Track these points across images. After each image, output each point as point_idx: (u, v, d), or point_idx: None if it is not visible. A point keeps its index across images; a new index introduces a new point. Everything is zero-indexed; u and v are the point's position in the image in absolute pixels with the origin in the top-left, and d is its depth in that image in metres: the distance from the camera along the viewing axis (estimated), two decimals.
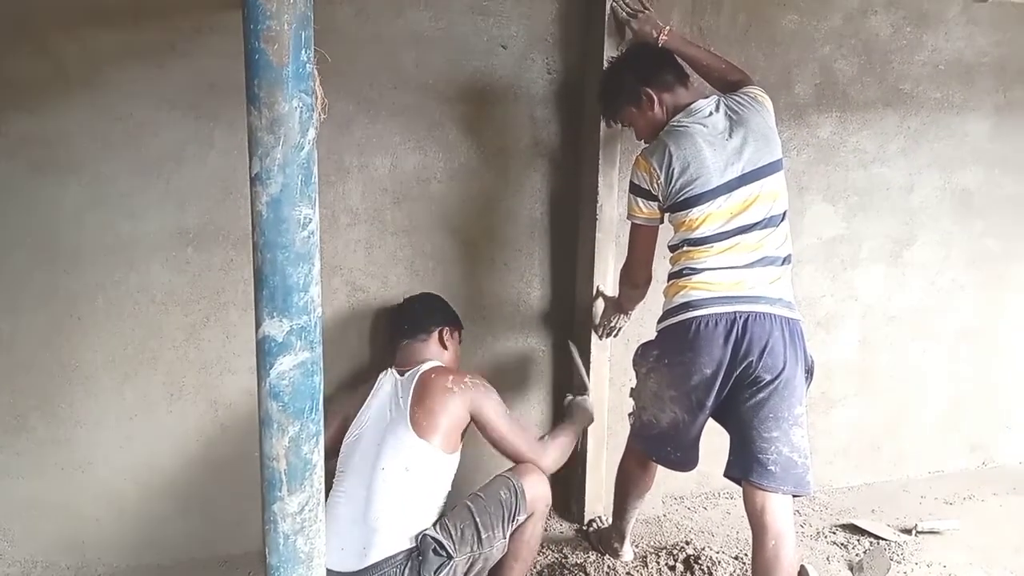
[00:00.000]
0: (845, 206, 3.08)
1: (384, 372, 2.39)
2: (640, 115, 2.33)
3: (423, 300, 2.59)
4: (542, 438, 2.42)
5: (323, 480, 1.29)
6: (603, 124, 2.61)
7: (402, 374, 2.35)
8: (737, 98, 2.26)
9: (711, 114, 2.23)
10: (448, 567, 2.06)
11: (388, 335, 2.60)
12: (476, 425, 2.29)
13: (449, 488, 2.23)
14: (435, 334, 2.48)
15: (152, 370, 2.50)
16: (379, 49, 2.52)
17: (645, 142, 2.37)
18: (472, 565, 2.13)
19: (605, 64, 2.52)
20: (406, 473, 2.14)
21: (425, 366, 2.34)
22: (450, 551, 2.06)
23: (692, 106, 2.24)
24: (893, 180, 3.11)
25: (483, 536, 2.12)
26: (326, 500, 1.85)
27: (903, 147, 3.10)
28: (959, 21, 3.06)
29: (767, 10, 2.85)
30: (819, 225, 3.07)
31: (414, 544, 2.06)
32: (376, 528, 2.07)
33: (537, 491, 2.25)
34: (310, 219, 1.17)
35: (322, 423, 1.26)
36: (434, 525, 2.11)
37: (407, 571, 2.03)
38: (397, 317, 2.56)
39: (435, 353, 2.45)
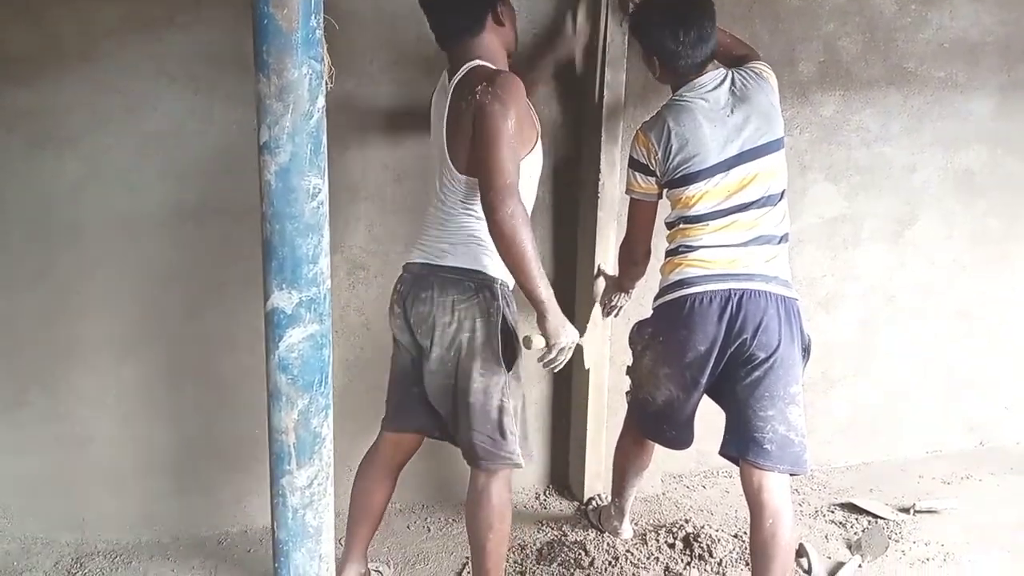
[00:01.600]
0: (847, 185, 3.07)
1: (438, 84, 2.16)
2: (646, 62, 2.29)
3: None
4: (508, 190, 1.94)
5: (332, 454, 1.28)
6: (605, 99, 2.58)
7: (449, 79, 2.06)
8: (743, 73, 2.23)
9: (715, 88, 2.20)
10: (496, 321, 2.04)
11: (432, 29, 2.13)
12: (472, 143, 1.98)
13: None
14: (485, 21, 2.04)
15: (151, 346, 2.49)
16: (380, 24, 2.49)
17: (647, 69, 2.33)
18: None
19: (609, 38, 2.50)
20: (454, 202, 2.05)
21: (465, 70, 2.00)
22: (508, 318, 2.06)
23: (697, 80, 2.21)
24: (896, 159, 3.10)
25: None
26: None
27: (906, 126, 3.08)
28: None
29: None
30: (821, 204, 3.05)
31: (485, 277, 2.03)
32: (448, 242, 2.06)
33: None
34: (319, 189, 1.16)
35: (331, 396, 1.25)
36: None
37: (475, 300, 2.03)
38: (428, 11, 2.12)
39: (491, 43, 2.06)
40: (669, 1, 2.23)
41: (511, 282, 2.07)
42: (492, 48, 2.06)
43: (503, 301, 2.07)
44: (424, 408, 2.18)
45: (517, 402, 2.13)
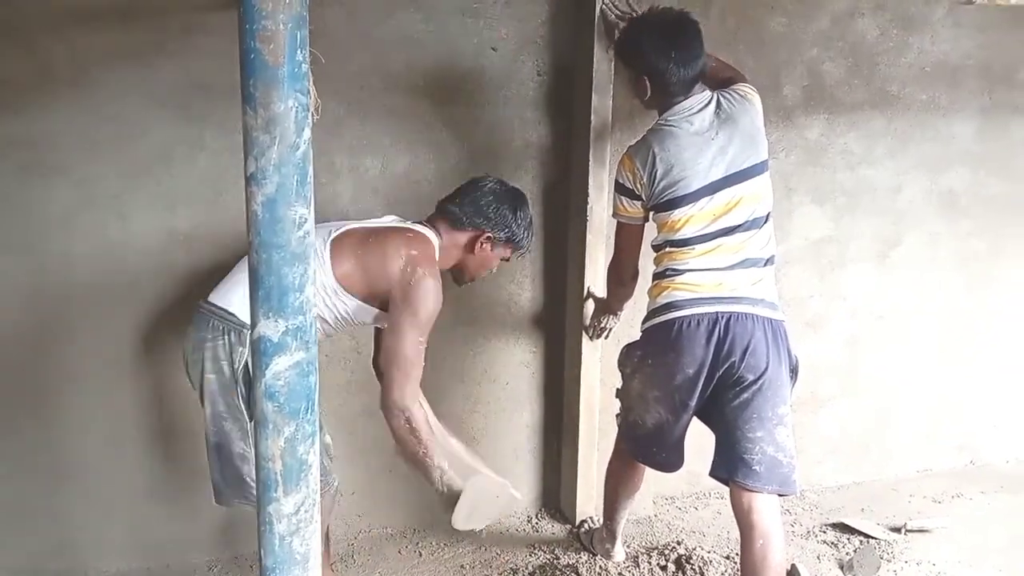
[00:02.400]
0: (833, 207, 3.10)
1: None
2: (634, 86, 2.31)
3: (494, 194, 2.24)
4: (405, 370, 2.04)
5: (319, 481, 1.29)
6: (593, 123, 2.61)
7: (404, 221, 2.22)
8: (728, 95, 2.26)
9: (700, 111, 2.22)
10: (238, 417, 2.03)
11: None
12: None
13: None
14: (468, 233, 2.22)
15: (142, 373, 2.48)
16: (369, 51, 2.52)
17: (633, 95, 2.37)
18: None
19: (596, 64, 2.53)
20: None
21: (416, 230, 2.16)
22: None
23: (683, 103, 2.23)
24: (880, 181, 3.14)
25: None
26: None
27: (890, 148, 3.12)
28: (945, 24, 3.08)
29: (755, 12, 2.87)
30: (807, 226, 3.08)
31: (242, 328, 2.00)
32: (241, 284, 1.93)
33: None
34: (305, 219, 1.17)
35: (317, 423, 1.25)
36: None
37: (222, 339, 2.01)
38: (459, 188, 2.27)
39: (455, 245, 2.22)
40: (659, 21, 2.26)
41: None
42: (457, 245, 2.24)
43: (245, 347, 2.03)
44: None
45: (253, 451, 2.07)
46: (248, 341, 1.97)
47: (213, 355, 2.00)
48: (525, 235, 2.30)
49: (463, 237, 2.23)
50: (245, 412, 2.01)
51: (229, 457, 2.05)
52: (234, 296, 2.04)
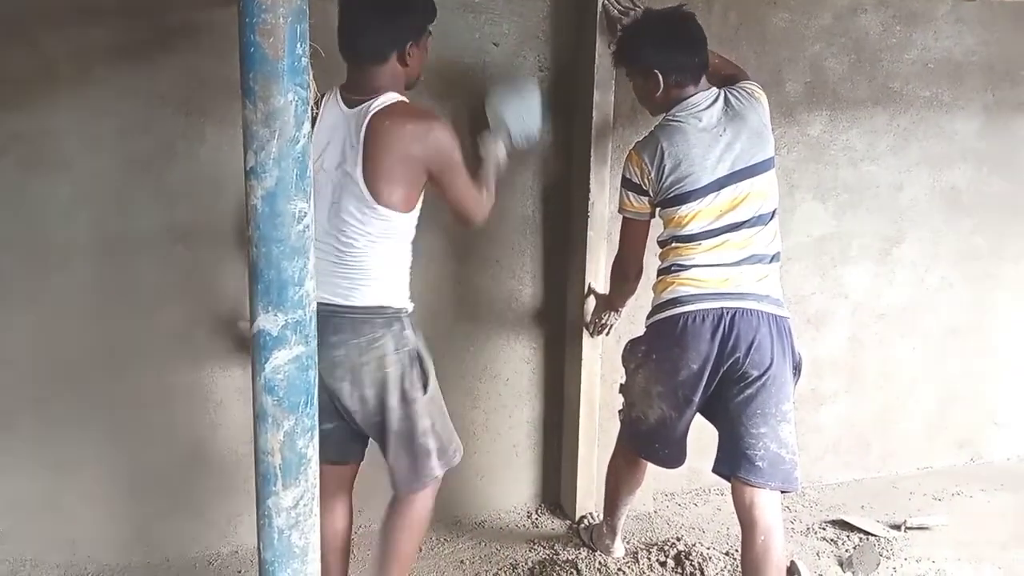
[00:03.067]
0: (835, 204, 3.10)
1: (329, 93, 2.02)
2: (643, 88, 2.31)
3: (379, 6, 1.98)
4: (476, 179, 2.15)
5: (317, 475, 1.29)
6: (595, 119, 2.61)
7: (350, 104, 1.98)
8: (736, 92, 2.26)
9: (708, 107, 2.22)
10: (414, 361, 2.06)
11: (338, 40, 2.02)
12: (431, 183, 2.02)
13: (410, 246, 2.08)
14: (393, 57, 1.98)
15: (143, 367, 2.49)
16: None
17: (642, 105, 2.38)
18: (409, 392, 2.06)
19: (598, 60, 2.53)
20: (370, 242, 1.97)
21: (379, 103, 1.94)
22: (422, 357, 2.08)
23: (691, 99, 2.23)
24: (883, 178, 3.13)
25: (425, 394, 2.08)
26: None
27: (892, 145, 3.12)
28: (948, 20, 3.07)
29: (757, 9, 2.86)
30: (809, 223, 3.08)
31: (395, 312, 2.02)
32: (354, 281, 2.00)
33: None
34: (305, 213, 1.17)
35: (316, 417, 1.26)
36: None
37: (389, 333, 2.01)
38: (342, 28, 2.00)
39: (391, 77, 2.00)
40: (658, 17, 2.29)
41: (411, 307, 2.10)
42: (397, 79, 2.02)
43: (410, 329, 2.07)
44: (334, 440, 2.09)
45: (434, 418, 2.12)
46: (405, 324, 2.04)
47: (381, 353, 2.01)
48: (431, 9, 2.06)
49: (391, 66, 2.00)
50: (421, 386, 2.07)
51: (412, 439, 2.07)
52: (367, 291, 2.00)
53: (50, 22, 2.24)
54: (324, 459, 2.08)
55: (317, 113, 1.70)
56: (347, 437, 2.14)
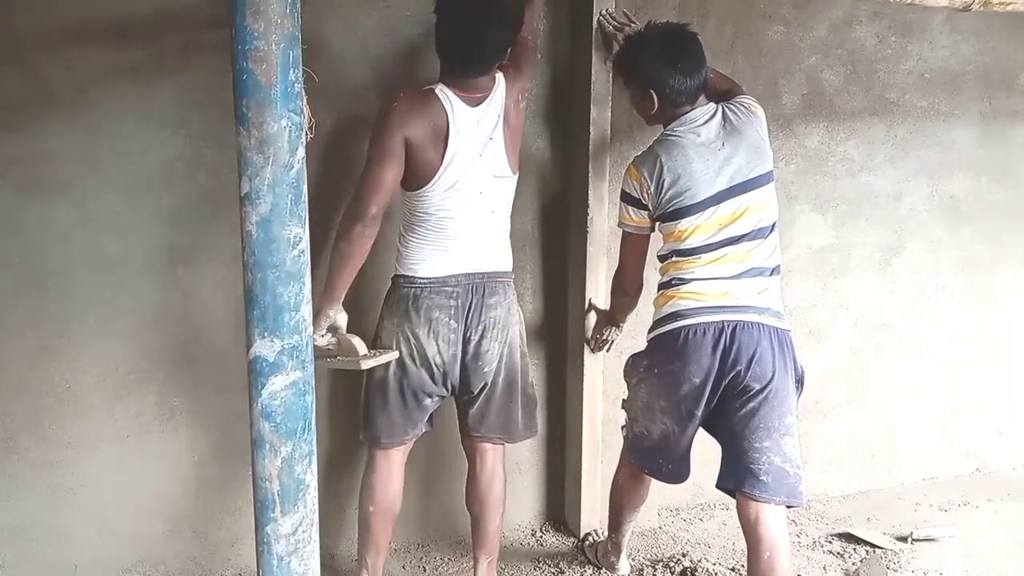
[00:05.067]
0: (834, 215, 3.10)
1: (441, 95, 2.16)
2: (640, 102, 2.31)
3: (489, 18, 2.15)
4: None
5: (316, 500, 1.28)
6: (592, 135, 2.61)
7: (474, 103, 2.19)
8: (733, 107, 2.26)
9: (706, 122, 2.22)
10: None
11: (451, 61, 2.20)
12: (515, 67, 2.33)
13: None
14: (510, 52, 2.27)
15: (143, 390, 2.48)
16: (368, 64, 2.53)
17: (638, 113, 2.39)
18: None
19: (594, 76, 2.53)
20: (508, 206, 2.37)
21: (499, 96, 2.24)
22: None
23: (689, 114, 2.24)
24: (881, 188, 3.13)
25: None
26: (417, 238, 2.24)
27: (890, 155, 3.12)
28: (943, 30, 3.08)
29: (753, 22, 2.87)
30: (809, 234, 3.08)
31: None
32: (496, 249, 2.34)
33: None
34: (300, 238, 1.17)
35: (315, 443, 1.25)
36: None
37: (514, 295, 2.38)
38: (457, 36, 2.17)
39: (501, 71, 2.27)
40: (659, 34, 2.28)
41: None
42: (502, 70, 2.30)
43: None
44: (424, 416, 2.36)
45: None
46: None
47: (514, 311, 2.37)
48: (520, 16, 2.31)
49: (500, 67, 2.28)
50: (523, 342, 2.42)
51: (527, 390, 2.44)
52: (508, 256, 2.38)
53: (47, 45, 2.25)
54: (415, 436, 2.38)
55: (311, 138, 1.70)
56: (422, 416, 2.36)
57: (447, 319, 2.24)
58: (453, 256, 2.24)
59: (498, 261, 2.33)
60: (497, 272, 2.32)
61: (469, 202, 2.23)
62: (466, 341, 2.26)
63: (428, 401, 2.33)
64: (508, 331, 2.32)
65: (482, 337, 2.27)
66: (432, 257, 2.25)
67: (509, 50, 2.24)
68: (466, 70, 2.18)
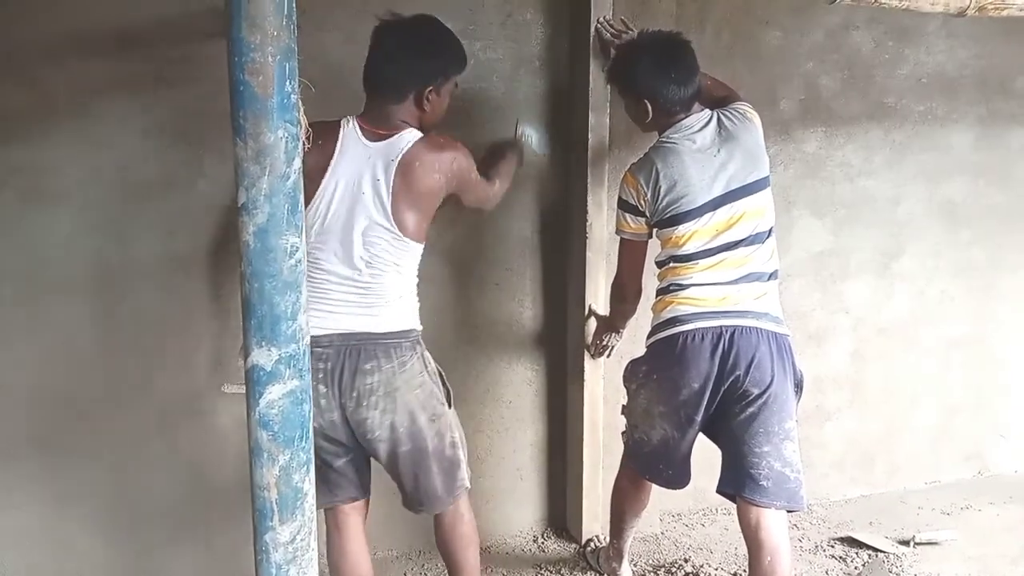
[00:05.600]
0: (833, 220, 3.10)
1: (345, 123, 2.02)
2: (633, 111, 2.33)
3: (407, 41, 2.02)
4: (489, 177, 2.29)
5: (314, 509, 1.29)
6: (591, 142, 2.63)
7: (372, 138, 2.00)
8: (728, 113, 2.27)
9: (701, 129, 2.23)
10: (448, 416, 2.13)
11: (364, 71, 2.07)
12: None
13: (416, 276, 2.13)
14: (411, 96, 2.02)
15: (145, 398, 2.49)
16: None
17: (634, 122, 2.39)
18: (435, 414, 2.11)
19: (593, 81, 2.55)
20: (397, 268, 2.04)
21: (404, 142, 1.98)
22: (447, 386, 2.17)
23: (684, 121, 2.24)
24: (879, 193, 3.14)
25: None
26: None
27: (888, 160, 3.13)
28: (939, 35, 3.09)
29: (750, 27, 2.88)
30: (807, 239, 3.08)
31: (417, 336, 2.10)
32: (375, 309, 2.03)
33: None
34: (297, 248, 1.18)
35: (312, 452, 1.25)
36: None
37: (413, 356, 2.06)
38: (370, 60, 2.05)
39: (409, 115, 2.04)
40: (652, 43, 2.28)
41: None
42: (414, 119, 2.05)
43: (425, 349, 2.14)
44: (343, 479, 2.13)
45: (457, 429, 2.18)
46: (423, 344, 2.12)
47: (411, 375, 2.05)
48: (460, 60, 2.13)
49: (410, 105, 2.04)
50: (446, 402, 2.14)
51: (442, 454, 2.11)
52: (394, 316, 2.05)
53: (48, 56, 2.27)
54: (346, 498, 2.13)
55: (310, 147, 1.69)
56: (362, 470, 2.17)
57: (316, 383, 1.96)
58: (325, 312, 1.99)
59: (377, 322, 2.02)
60: (375, 334, 2.01)
61: (342, 249, 1.99)
62: (343, 407, 2.02)
63: (338, 463, 2.09)
64: (396, 398, 2.02)
65: (358, 406, 2.01)
66: (311, 311, 1.87)
67: (427, 88, 2.02)
68: (372, 95, 2.04)
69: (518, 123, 2.67)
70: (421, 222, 2.04)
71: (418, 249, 2.08)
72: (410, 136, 2.00)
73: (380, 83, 2.03)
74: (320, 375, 1.99)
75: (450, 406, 2.16)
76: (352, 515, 2.18)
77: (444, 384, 2.17)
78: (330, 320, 2.00)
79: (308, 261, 1.91)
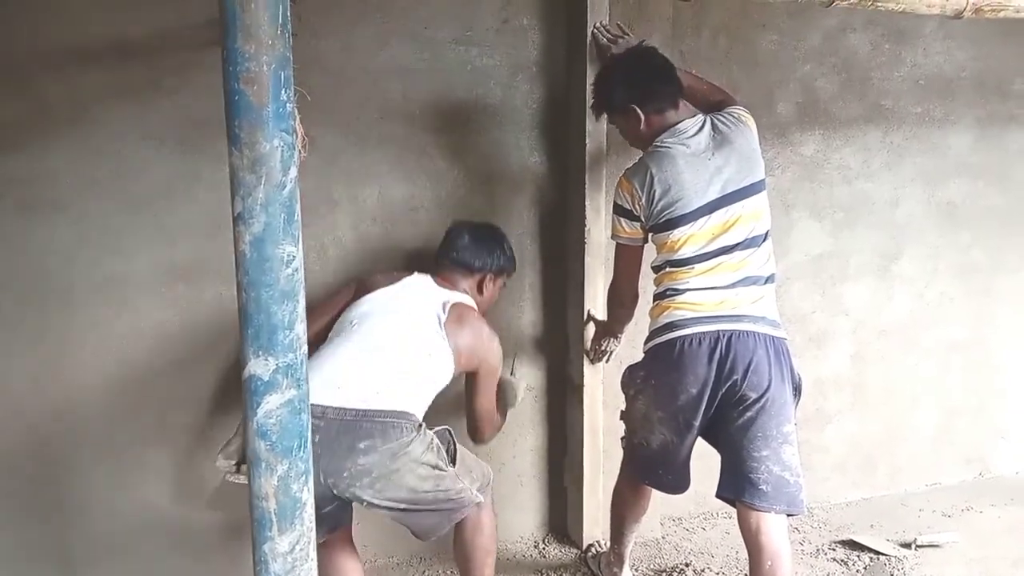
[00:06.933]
0: (831, 222, 3.10)
1: (412, 273, 2.35)
2: (626, 126, 2.34)
3: (485, 237, 2.45)
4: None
5: (313, 519, 1.29)
6: (588, 147, 2.63)
7: (439, 284, 2.33)
8: (722, 117, 2.28)
9: (695, 134, 2.24)
10: (450, 475, 2.09)
11: (439, 249, 2.44)
12: (466, 375, 2.31)
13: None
14: (476, 277, 2.41)
15: (144, 408, 2.49)
16: (365, 81, 2.54)
17: (631, 145, 2.40)
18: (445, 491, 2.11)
19: (590, 85, 2.55)
20: (427, 358, 2.16)
21: (460, 297, 2.31)
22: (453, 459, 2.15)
23: (678, 126, 2.25)
24: (878, 195, 3.14)
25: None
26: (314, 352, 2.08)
27: (887, 162, 3.13)
28: (936, 37, 3.10)
29: (747, 31, 2.88)
30: (806, 242, 3.08)
31: (420, 421, 2.09)
32: (391, 382, 2.07)
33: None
34: (293, 257, 1.17)
35: (311, 461, 1.25)
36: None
37: (415, 438, 2.02)
38: (450, 240, 2.44)
39: (470, 291, 2.39)
40: (624, 58, 2.39)
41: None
42: (472, 294, 2.38)
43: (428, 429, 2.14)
44: (326, 522, 2.05)
45: (462, 473, 2.16)
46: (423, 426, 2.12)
47: (412, 457, 2.01)
48: (512, 263, 2.53)
49: (473, 282, 2.41)
50: (449, 461, 2.13)
51: (439, 504, 2.09)
52: (398, 396, 2.07)
53: (45, 65, 2.27)
54: (327, 530, 2.09)
55: (305, 156, 1.72)
56: (346, 509, 2.19)
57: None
58: (325, 379, 2.03)
59: (382, 400, 2.03)
60: (376, 411, 2.00)
61: (368, 327, 2.17)
62: (331, 486, 1.97)
63: (322, 511, 1.92)
64: (393, 479, 1.99)
65: (350, 486, 1.97)
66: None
67: (486, 275, 2.40)
68: (443, 265, 2.39)
69: (515, 359, 2.77)
70: (459, 368, 2.23)
71: (444, 378, 2.20)
72: (465, 297, 2.34)
73: (454, 257, 2.39)
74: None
75: (453, 463, 2.13)
76: (336, 541, 2.20)
77: (450, 444, 2.18)
78: (329, 391, 2.03)
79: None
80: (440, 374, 2.19)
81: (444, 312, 2.23)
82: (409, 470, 2.00)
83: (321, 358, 2.11)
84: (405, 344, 2.15)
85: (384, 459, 1.97)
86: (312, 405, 1.85)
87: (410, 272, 2.35)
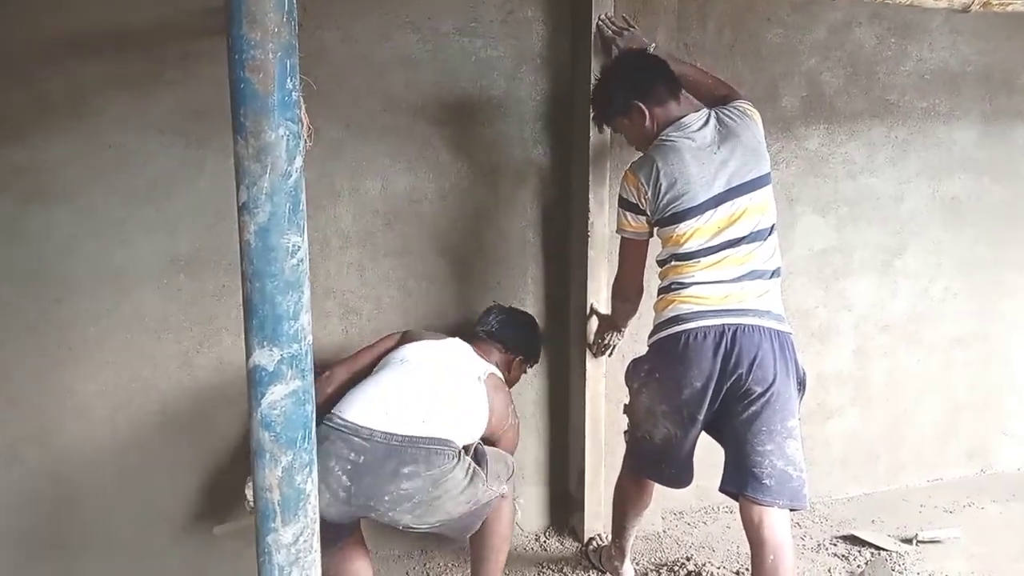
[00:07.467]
0: (835, 217, 3.09)
1: (454, 337, 2.44)
2: (631, 126, 2.33)
3: (522, 323, 2.62)
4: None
5: (317, 510, 1.28)
6: (592, 139, 2.62)
7: (477, 353, 2.41)
8: (727, 111, 2.27)
9: (700, 128, 2.23)
10: (482, 488, 2.14)
11: (478, 322, 2.58)
12: (488, 433, 2.34)
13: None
14: (508, 355, 2.53)
15: (146, 399, 2.48)
16: (368, 72, 2.53)
17: (638, 149, 2.39)
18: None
19: (593, 81, 2.53)
20: (468, 403, 2.23)
21: (495, 370, 2.40)
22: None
23: (682, 120, 2.24)
24: (882, 190, 3.13)
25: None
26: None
27: (891, 157, 3.12)
28: (942, 31, 3.08)
29: (752, 25, 2.87)
30: (810, 236, 3.07)
31: (460, 448, 2.14)
32: (436, 413, 2.14)
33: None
34: (299, 247, 1.16)
35: (315, 452, 1.25)
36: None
37: (457, 465, 2.08)
38: (490, 316, 2.58)
39: (501, 366, 2.48)
40: (614, 65, 2.42)
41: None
42: (501, 366, 2.47)
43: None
44: (336, 533, 2.15)
45: (491, 477, 2.21)
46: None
47: (453, 483, 2.07)
48: (539, 355, 2.68)
49: (504, 360, 2.52)
50: (484, 477, 2.16)
51: (473, 511, 2.14)
52: (443, 425, 2.13)
53: (48, 57, 2.26)
54: (340, 537, 2.16)
55: (310, 146, 1.72)
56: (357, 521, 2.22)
57: (340, 474, 2.01)
58: (375, 405, 2.11)
59: (428, 428, 2.10)
60: (422, 438, 2.07)
61: (415, 362, 2.27)
62: (369, 508, 2.03)
63: (345, 522, 2.12)
64: (433, 505, 2.05)
65: (391, 509, 2.02)
66: (352, 395, 2.17)
67: (515, 357, 2.53)
68: (478, 342, 2.49)
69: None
70: (487, 430, 2.29)
71: (479, 426, 2.26)
72: (501, 376, 2.41)
73: (487, 329, 2.53)
74: (349, 467, 2.03)
75: (487, 477, 2.17)
76: (349, 542, 2.25)
77: (485, 464, 2.20)
78: (375, 414, 2.10)
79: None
80: (477, 421, 2.25)
81: (484, 375, 2.32)
82: (450, 497, 2.07)
83: (367, 386, 2.20)
84: (450, 387, 2.24)
85: (427, 485, 2.04)
86: (360, 427, 2.00)
87: (451, 336, 2.46)
